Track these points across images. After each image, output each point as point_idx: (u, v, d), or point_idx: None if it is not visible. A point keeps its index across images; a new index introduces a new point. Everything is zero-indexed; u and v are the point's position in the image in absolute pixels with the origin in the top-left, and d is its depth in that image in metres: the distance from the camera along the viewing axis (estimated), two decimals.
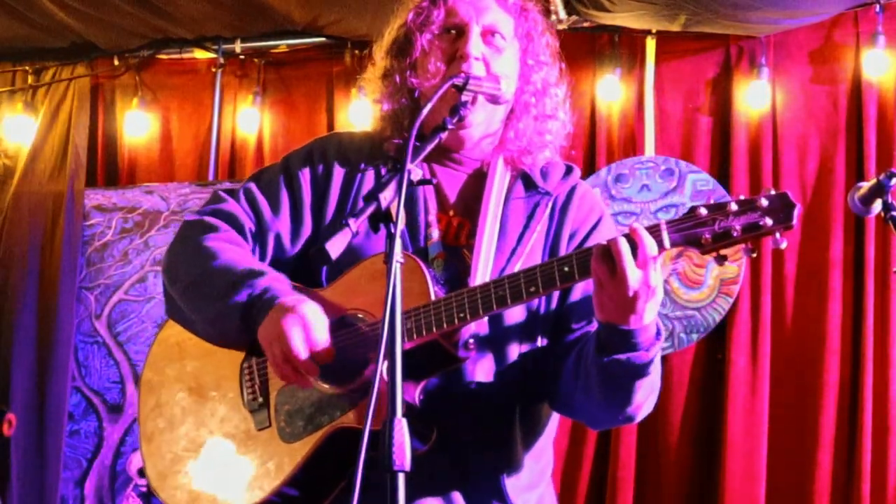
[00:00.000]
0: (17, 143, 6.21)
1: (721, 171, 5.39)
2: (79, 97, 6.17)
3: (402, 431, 1.89)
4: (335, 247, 2.02)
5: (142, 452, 2.53)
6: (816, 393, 5.14)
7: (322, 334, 2.24)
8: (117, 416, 5.77)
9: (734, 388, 5.20)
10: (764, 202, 1.97)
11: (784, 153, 5.32)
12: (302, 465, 2.30)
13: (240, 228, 2.48)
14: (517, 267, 2.34)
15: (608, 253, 2.06)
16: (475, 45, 2.40)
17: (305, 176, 2.50)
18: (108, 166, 6.30)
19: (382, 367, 1.89)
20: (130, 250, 5.89)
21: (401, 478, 1.89)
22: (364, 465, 1.85)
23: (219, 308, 2.36)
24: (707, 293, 5.25)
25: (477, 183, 2.45)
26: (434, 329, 2.21)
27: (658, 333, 2.16)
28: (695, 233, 2.01)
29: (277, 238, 2.47)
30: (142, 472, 5.70)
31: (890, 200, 2.80)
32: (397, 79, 2.49)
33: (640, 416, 2.31)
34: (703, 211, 2.01)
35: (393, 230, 2.00)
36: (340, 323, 2.31)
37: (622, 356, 2.15)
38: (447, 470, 2.32)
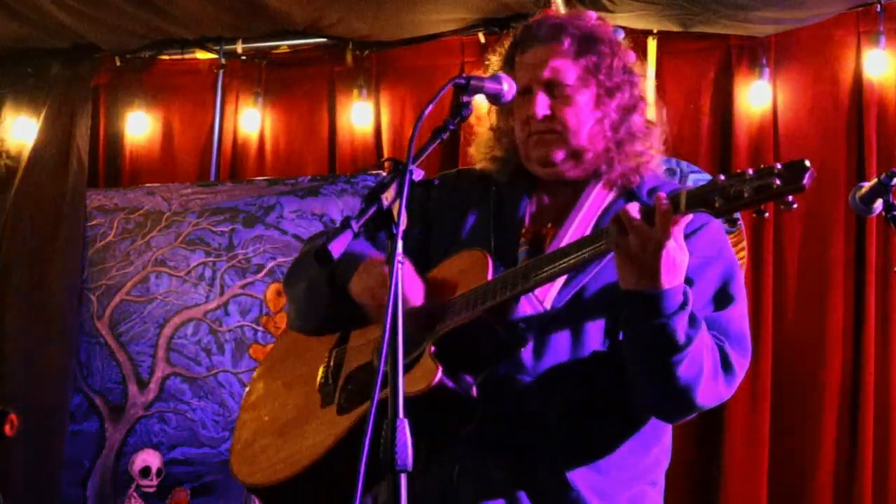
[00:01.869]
0: (18, 144, 6.21)
1: (722, 171, 5.37)
2: (80, 98, 6.17)
3: (405, 431, 1.91)
4: (337, 247, 2.04)
5: (234, 442, 2.72)
6: (818, 392, 5.14)
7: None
8: (119, 417, 5.77)
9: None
10: (779, 167, 1.99)
11: (785, 153, 5.32)
12: (346, 433, 2.36)
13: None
14: (594, 273, 2.37)
15: (619, 215, 2.10)
16: (540, 106, 2.43)
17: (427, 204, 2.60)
18: (109, 167, 6.31)
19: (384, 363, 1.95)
20: (132, 251, 5.89)
21: (403, 478, 1.91)
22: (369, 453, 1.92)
23: (306, 285, 2.52)
24: None
25: (576, 198, 2.48)
26: (477, 305, 2.25)
27: (684, 304, 2.16)
28: (709, 197, 2.03)
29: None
30: (144, 473, 5.70)
31: (891, 200, 2.80)
32: (502, 135, 2.57)
33: (700, 399, 2.28)
34: (723, 178, 2.04)
35: (394, 230, 2.02)
36: None
37: (647, 325, 2.15)
38: (511, 466, 2.33)
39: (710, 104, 5.51)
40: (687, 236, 2.35)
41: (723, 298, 2.36)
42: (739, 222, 5.22)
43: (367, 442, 1.92)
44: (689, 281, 2.21)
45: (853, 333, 5.13)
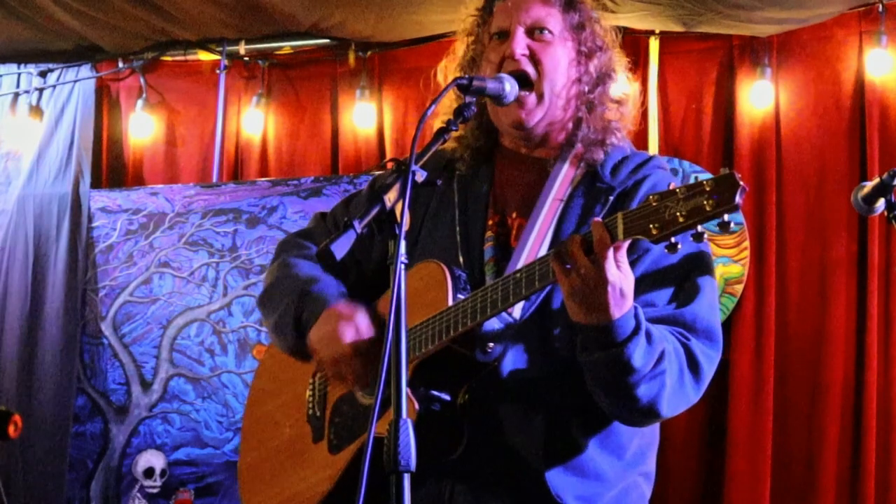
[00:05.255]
0: (21, 145, 6.22)
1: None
2: (83, 99, 6.18)
3: (407, 432, 1.91)
4: (339, 248, 2.04)
5: (239, 464, 2.72)
6: (820, 392, 5.14)
7: (369, 338, 2.32)
8: (123, 418, 5.78)
9: (738, 388, 5.20)
10: (709, 185, 1.94)
11: (787, 153, 5.32)
12: (341, 475, 2.36)
13: None
14: None
15: (559, 252, 2.07)
16: (519, 44, 2.40)
17: None
18: (112, 168, 6.31)
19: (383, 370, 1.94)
20: (135, 252, 5.90)
21: (406, 478, 1.91)
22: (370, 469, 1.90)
23: (277, 318, 2.50)
24: None
25: (541, 181, 2.43)
26: (443, 336, 2.23)
27: (637, 328, 2.12)
28: (644, 223, 1.99)
29: (354, 255, 2.50)
30: (147, 474, 5.71)
31: (893, 199, 2.81)
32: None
33: (665, 411, 2.24)
34: (656, 200, 1.99)
35: (397, 231, 2.02)
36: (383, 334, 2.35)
37: (598, 354, 2.13)
38: (486, 470, 2.31)
39: (713, 104, 5.51)
40: (627, 195, 2.37)
41: (687, 292, 2.30)
42: (735, 226, 5.22)
43: (368, 451, 1.92)
44: (647, 276, 2.18)
45: (855, 333, 5.13)
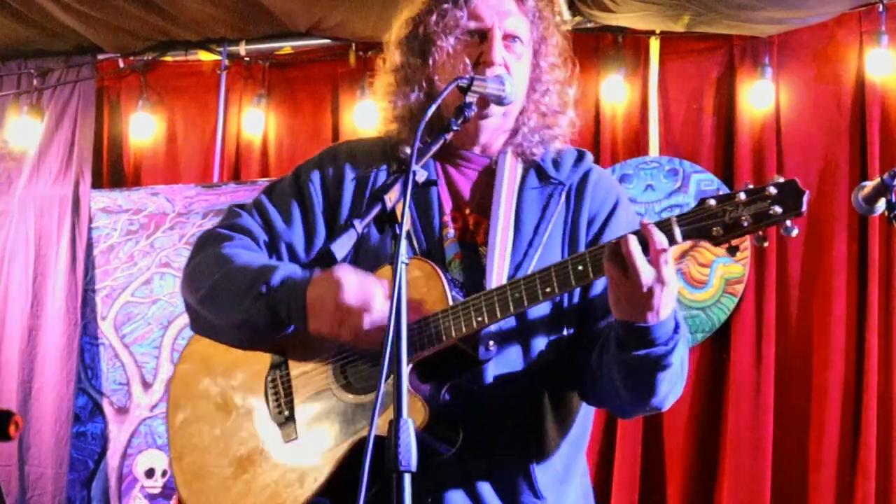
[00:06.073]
0: (22, 146, 6.22)
1: (725, 171, 5.41)
2: (84, 99, 6.18)
3: (408, 432, 1.91)
4: (340, 248, 2.03)
5: (172, 470, 2.56)
6: (820, 392, 5.14)
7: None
8: (124, 418, 5.78)
9: (739, 388, 5.20)
10: (773, 190, 1.97)
11: (788, 153, 5.32)
12: (329, 477, 2.32)
13: (254, 240, 2.50)
14: (535, 261, 2.36)
15: (618, 252, 2.07)
16: (498, 52, 2.43)
17: (316, 185, 2.52)
18: (113, 168, 6.32)
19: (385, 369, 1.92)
20: (136, 252, 5.90)
21: (407, 478, 1.91)
22: (371, 469, 1.89)
23: (242, 309, 2.36)
24: (712, 293, 5.25)
25: (490, 179, 2.47)
26: (453, 334, 2.22)
27: (677, 326, 2.17)
28: (706, 225, 2.01)
29: (290, 248, 2.48)
30: (148, 474, 5.71)
31: (894, 199, 2.80)
32: (415, 77, 2.50)
33: (667, 405, 2.33)
34: (713, 203, 2.02)
35: (398, 231, 2.01)
36: None
37: (641, 352, 2.16)
38: (475, 464, 2.33)
39: (713, 104, 5.51)
40: (579, 193, 2.43)
41: None
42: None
43: (369, 450, 1.91)
44: None
45: (856, 332, 5.13)
